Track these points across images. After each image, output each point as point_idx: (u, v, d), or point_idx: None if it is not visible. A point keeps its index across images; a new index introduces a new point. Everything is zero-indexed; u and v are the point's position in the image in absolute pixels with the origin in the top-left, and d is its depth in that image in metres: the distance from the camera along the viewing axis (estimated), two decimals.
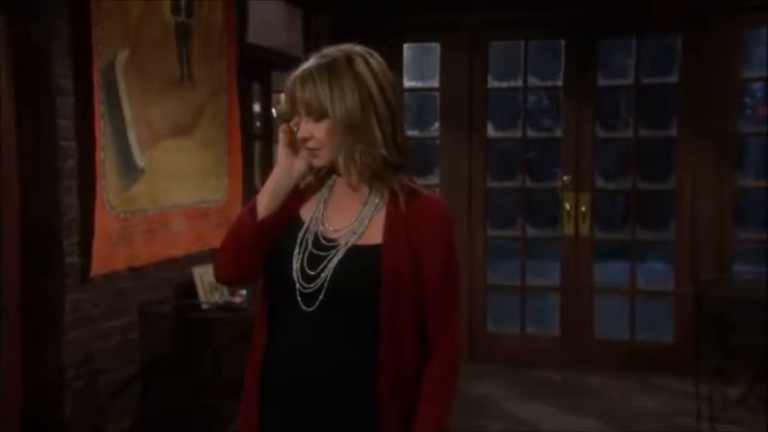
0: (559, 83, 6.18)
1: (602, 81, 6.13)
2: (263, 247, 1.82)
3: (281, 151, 1.83)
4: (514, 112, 6.44)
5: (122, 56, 3.75)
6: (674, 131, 5.94)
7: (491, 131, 6.28)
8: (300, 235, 1.82)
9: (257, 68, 5.16)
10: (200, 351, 3.95)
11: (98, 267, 3.60)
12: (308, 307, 1.77)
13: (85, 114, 3.55)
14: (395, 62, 1.70)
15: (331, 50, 1.79)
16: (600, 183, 6.20)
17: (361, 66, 1.76)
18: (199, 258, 4.32)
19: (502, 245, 6.68)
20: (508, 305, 6.42)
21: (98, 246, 3.58)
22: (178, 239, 4.22)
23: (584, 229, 6.04)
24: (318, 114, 1.75)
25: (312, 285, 1.76)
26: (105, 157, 3.63)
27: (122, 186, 3.77)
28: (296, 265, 1.79)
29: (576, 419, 4.98)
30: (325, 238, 1.80)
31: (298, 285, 1.78)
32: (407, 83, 6.31)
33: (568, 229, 6.07)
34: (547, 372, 5.87)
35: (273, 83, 5.44)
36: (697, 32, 5.75)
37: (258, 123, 5.38)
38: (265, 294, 1.87)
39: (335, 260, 1.76)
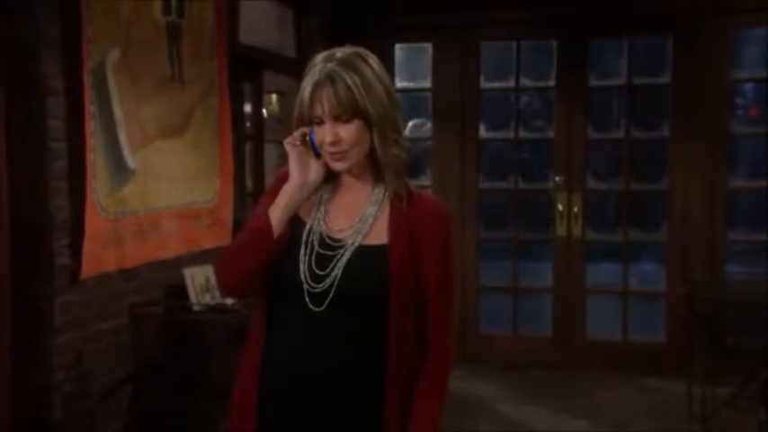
0: (551, 83, 6.18)
1: (594, 81, 6.12)
2: (274, 258, 1.81)
3: (293, 168, 1.82)
4: (507, 112, 6.43)
5: (113, 56, 3.73)
6: (666, 132, 5.94)
7: (483, 132, 6.27)
8: (305, 236, 1.82)
9: (248, 68, 5.14)
10: (192, 353, 3.93)
11: (88, 269, 3.58)
12: (317, 307, 1.77)
13: (75, 115, 3.52)
14: (387, 62, 1.71)
15: (340, 52, 1.79)
16: (592, 183, 6.19)
17: (374, 64, 1.79)
18: (190, 260, 4.30)
19: (494, 246, 6.67)
20: (501, 306, 6.41)
21: (88, 247, 3.55)
22: (169, 241, 4.20)
23: (577, 229, 6.04)
24: (349, 114, 1.74)
25: (321, 285, 1.77)
26: (96, 158, 3.61)
27: (113, 187, 3.74)
28: (303, 265, 1.79)
29: (569, 420, 4.98)
30: (330, 238, 1.81)
31: (306, 286, 1.77)
32: (399, 83, 6.29)
33: (561, 230, 6.07)
34: (539, 373, 5.86)
35: (265, 83, 5.42)
36: (689, 33, 5.75)
37: (249, 124, 5.35)
38: (265, 296, 1.86)
39: (344, 260, 1.78)
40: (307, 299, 1.77)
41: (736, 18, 5.70)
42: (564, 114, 6.09)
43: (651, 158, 6.20)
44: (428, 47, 6.28)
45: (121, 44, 3.79)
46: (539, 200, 6.41)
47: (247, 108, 5.32)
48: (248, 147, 5.29)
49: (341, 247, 1.79)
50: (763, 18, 5.58)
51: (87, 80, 3.54)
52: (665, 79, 5.94)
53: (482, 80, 6.22)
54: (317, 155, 1.81)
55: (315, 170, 1.82)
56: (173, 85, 4.22)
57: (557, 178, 6.08)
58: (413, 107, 6.75)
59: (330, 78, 1.74)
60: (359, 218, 1.82)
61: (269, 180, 5.15)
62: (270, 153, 5.57)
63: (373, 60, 1.81)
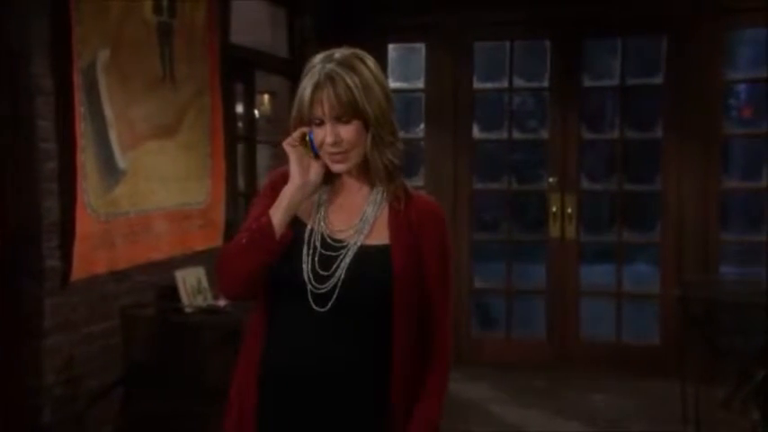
0: (545, 84, 6.17)
1: (587, 82, 6.13)
2: (276, 259, 1.80)
3: (293, 169, 1.81)
4: (500, 113, 6.42)
5: (103, 56, 3.70)
6: (659, 133, 5.94)
7: (477, 133, 6.25)
8: (306, 237, 1.81)
9: (241, 69, 5.12)
10: (184, 355, 3.91)
11: (79, 271, 3.54)
12: (320, 307, 1.76)
13: (66, 115, 3.49)
14: (380, 63, 1.71)
15: (338, 53, 1.79)
16: (586, 184, 6.18)
17: (372, 65, 1.80)
18: (181, 261, 4.28)
19: (488, 247, 6.66)
20: (494, 308, 6.40)
21: (79, 249, 3.52)
22: (160, 242, 4.17)
23: (571, 231, 6.03)
24: (350, 115, 1.75)
25: (325, 286, 1.77)
26: (86, 159, 3.58)
27: (104, 189, 3.71)
28: (307, 266, 1.78)
29: (563, 422, 4.97)
30: (332, 239, 1.81)
31: (309, 287, 1.77)
32: (392, 84, 6.27)
33: (554, 231, 6.06)
34: (533, 374, 5.85)
35: (257, 83, 5.40)
36: (682, 34, 5.75)
37: (241, 124, 5.33)
38: (265, 297, 1.85)
39: (347, 260, 1.78)
40: (310, 300, 1.77)
41: (729, 19, 5.70)
42: (557, 115, 6.08)
43: (645, 159, 6.20)
44: (421, 47, 6.26)
45: (112, 44, 3.75)
46: (532, 201, 6.41)
47: (239, 108, 5.30)
48: (240, 147, 5.26)
49: (343, 247, 1.80)
50: (756, 19, 5.58)
51: (77, 80, 3.51)
52: (658, 80, 5.94)
53: (475, 81, 6.21)
54: (317, 156, 1.81)
55: (315, 171, 1.82)
56: (164, 86, 4.19)
57: (550, 179, 6.07)
58: (406, 108, 6.73)
59: (330, 79, 1.74)
60: (359, 218, 1.82)
61: (261, 181, 5.14)
62: (262, 154, 5.55)
63: (371, 62, 1.81)
